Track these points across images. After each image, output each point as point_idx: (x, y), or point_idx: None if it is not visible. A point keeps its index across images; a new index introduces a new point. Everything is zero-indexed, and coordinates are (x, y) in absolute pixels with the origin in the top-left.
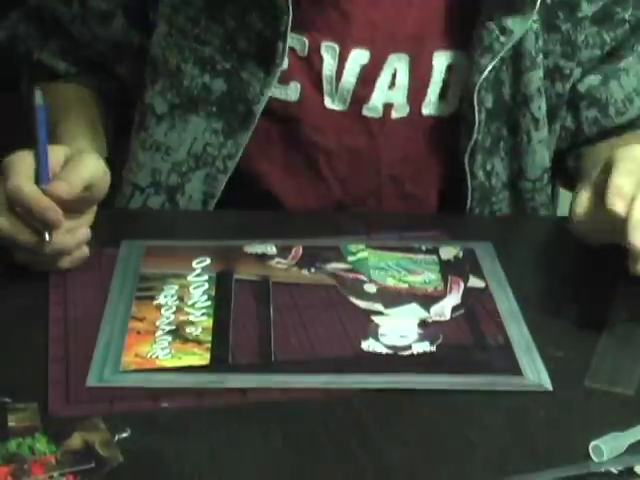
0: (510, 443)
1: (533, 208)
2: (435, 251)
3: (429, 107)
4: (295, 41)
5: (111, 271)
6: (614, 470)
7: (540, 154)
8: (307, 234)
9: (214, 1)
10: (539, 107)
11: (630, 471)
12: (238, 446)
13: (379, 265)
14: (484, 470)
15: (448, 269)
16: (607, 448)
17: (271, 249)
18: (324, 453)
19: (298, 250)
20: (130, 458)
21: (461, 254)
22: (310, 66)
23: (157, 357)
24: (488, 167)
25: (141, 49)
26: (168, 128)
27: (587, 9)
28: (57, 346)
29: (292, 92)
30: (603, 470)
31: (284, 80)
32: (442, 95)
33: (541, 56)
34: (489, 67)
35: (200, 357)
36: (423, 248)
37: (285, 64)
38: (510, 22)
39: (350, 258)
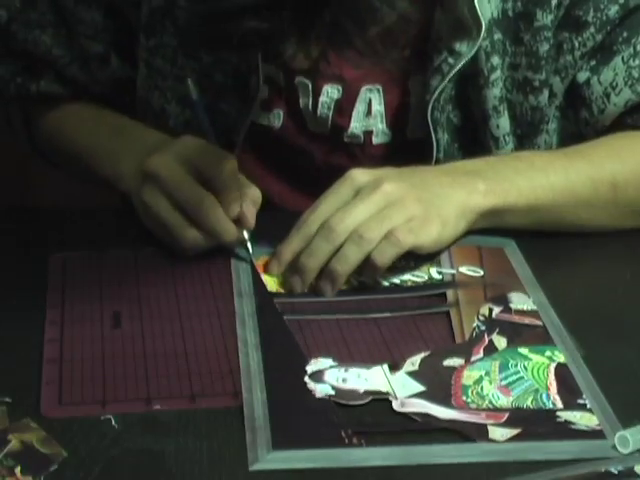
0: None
1: None
2: None
3: (414, 131)
4: (273, 71)
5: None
6: (614, 470)
7: None
8: None
9: (188, 39)
10: (497, 126)
11: (630, 471)
12: (238, 446)
13: None
14: (484, 470)
15: None
16: (634, 439)
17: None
18: None
19: None
20: (130, 458)
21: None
22: (288, 96)
23: None
24: None
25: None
26: None
27: (542, 18)
28: (52, 347)
29: (275, 118)
30: (603, 470)
31: (267, 107)
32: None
33: (498, 73)
34: (439, 88)
35: None
36: None
37: (265, 93)
38: (458, 45)
39: None
